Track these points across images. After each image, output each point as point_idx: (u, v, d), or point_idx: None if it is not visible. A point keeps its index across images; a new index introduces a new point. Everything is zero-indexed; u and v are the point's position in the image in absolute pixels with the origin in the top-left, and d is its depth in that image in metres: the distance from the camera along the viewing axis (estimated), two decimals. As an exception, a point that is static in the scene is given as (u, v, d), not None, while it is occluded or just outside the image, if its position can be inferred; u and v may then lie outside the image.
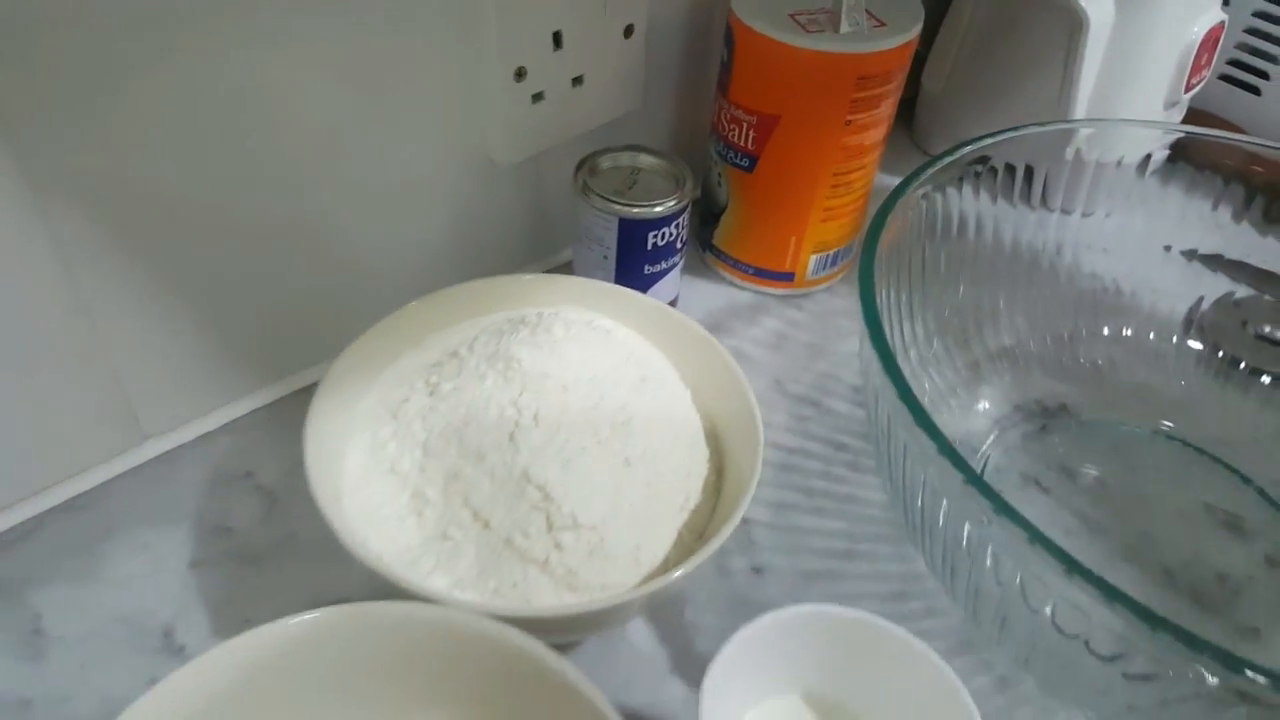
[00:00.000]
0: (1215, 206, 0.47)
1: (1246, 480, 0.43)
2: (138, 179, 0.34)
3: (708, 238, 0.52)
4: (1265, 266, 0.48)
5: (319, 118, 0.37)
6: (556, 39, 0.42)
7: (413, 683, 0.29)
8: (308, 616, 0.27)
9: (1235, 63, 0.62)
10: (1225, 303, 0.49)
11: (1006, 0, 0.56)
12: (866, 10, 0.44)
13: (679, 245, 0.45)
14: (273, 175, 0.37)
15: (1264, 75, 0.61)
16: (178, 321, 0.38)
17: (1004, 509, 0.26)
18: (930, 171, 0.40)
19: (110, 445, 0.39)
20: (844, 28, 0.43)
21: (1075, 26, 0.52)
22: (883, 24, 0.44)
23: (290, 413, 0.41)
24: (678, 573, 0.30)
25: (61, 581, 0.36)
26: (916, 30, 0.45)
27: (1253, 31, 0.61)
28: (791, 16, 0.44)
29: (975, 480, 0.27)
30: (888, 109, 0.46)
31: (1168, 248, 0.49)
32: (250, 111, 0.35)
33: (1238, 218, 0.48)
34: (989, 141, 0.42)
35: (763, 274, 0.51)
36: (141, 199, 0.34)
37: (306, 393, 0.37)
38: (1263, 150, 0.45)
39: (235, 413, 0.42)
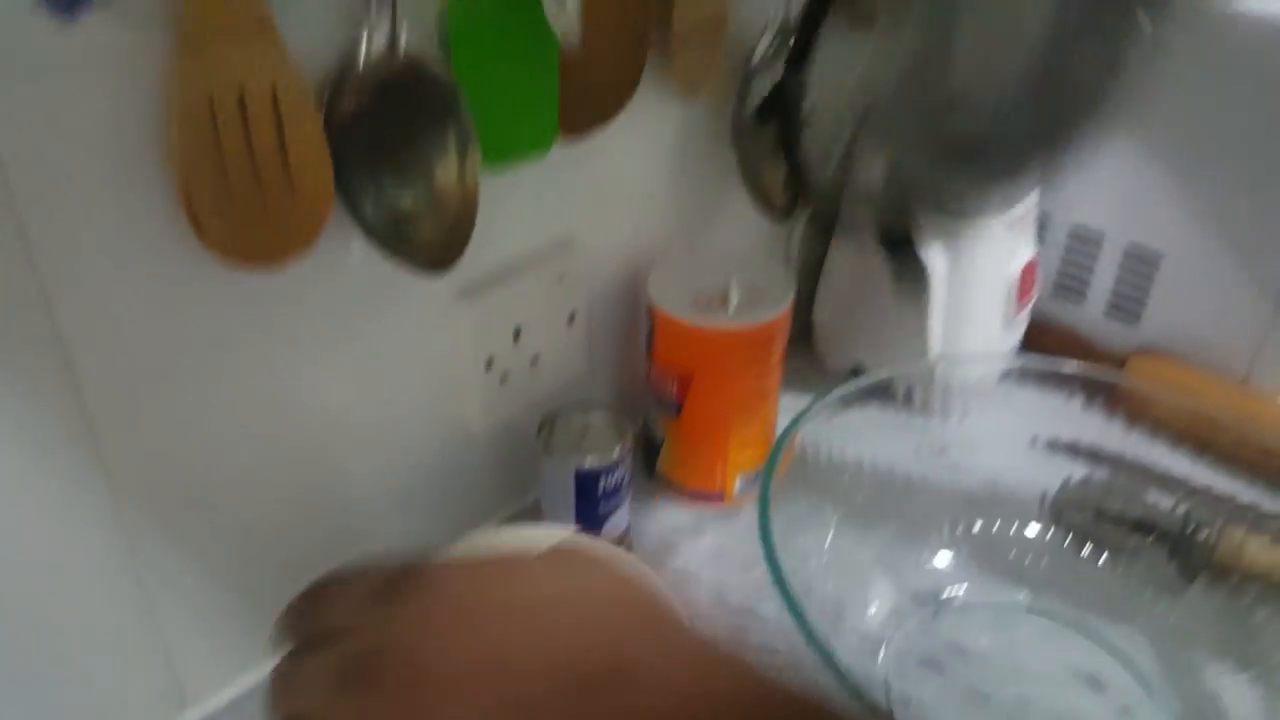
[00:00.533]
0: (1068, 398, 0.58)
1: (1102, 643, 0.52)
2: (189, 453, 0.42)
3: (653, 467, 0.62)
4: (1114, 450, 0.59)
5: (333, 399, 0.47)
6: (516, 334, 0.53)
7: None
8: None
9: (1062, 275, 0.75)
10: (1079, 486, 0.60)
11: (865, 254, 0.68)
12: (749, 288, 0.56)
13: (625, 483, 0.55)
14: (294, 444, 0.46)
15: (1085, 283, 0.74)
16: (218, 584, 0.46)
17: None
18: (815, 407, 0.51)
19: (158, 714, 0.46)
20: (732, 309, 0.55)
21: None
22: (762, 297, 0.56)
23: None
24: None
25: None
26: (789, 300, 0.56)
27: (1070, 250, 0.74)
28: (693, 299, 0.56)
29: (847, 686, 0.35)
30: (777, 358, 0.58)
31: (1034, 439, 0.60)
32: (279, 397, 0.44)
33: (1085, 408, 0.59)
34: (861, 383, 0.54)
35: (698, 495, 0.61)
36: (190, 472, 0.43)
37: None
38: (1081, 371, 0.57)
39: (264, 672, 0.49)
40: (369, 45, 0.39)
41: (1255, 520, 0.54)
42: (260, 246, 0.40)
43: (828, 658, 0.36)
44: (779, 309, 0.56)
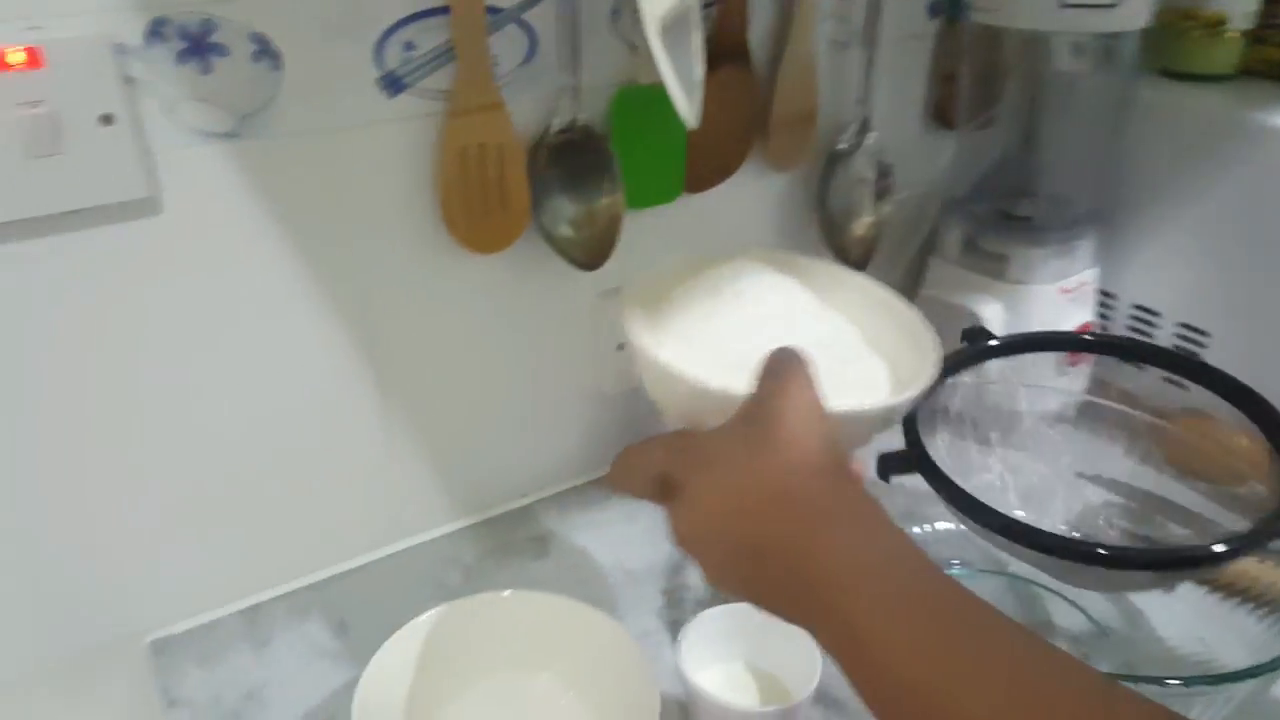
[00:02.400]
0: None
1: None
2: (428, 358, 0.64)
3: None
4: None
5: (517, 345, 0.68)
6: (643, 326, 0.73)
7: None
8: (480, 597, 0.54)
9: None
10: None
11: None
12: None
13: (711, 444, 0.72)
14: (488, 365, 0.67)
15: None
16: (439, 452, 0.67)
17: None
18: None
19: (384, 536, 0.68)
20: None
21: (974, 322, 0.78)
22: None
23: (496, 530, 0.69)
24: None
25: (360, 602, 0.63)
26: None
27: (1133, 323, 0.83)
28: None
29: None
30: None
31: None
32: (481, 338, 0.66)
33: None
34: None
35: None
36: (425, 376, 0.65)
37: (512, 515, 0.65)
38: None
39: (460, 524, 0.70)
40: (558, 120, 0.61)
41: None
42: (486, 241, 0.62)
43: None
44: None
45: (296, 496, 0.63)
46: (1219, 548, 0.47)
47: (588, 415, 0.74)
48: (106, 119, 0.48)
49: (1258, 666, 0.46)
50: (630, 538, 0.70)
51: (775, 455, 0.35)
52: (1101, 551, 0.48)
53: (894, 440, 0.53)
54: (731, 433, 0.37)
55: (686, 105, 0.51)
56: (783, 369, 0.38)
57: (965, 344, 0.64)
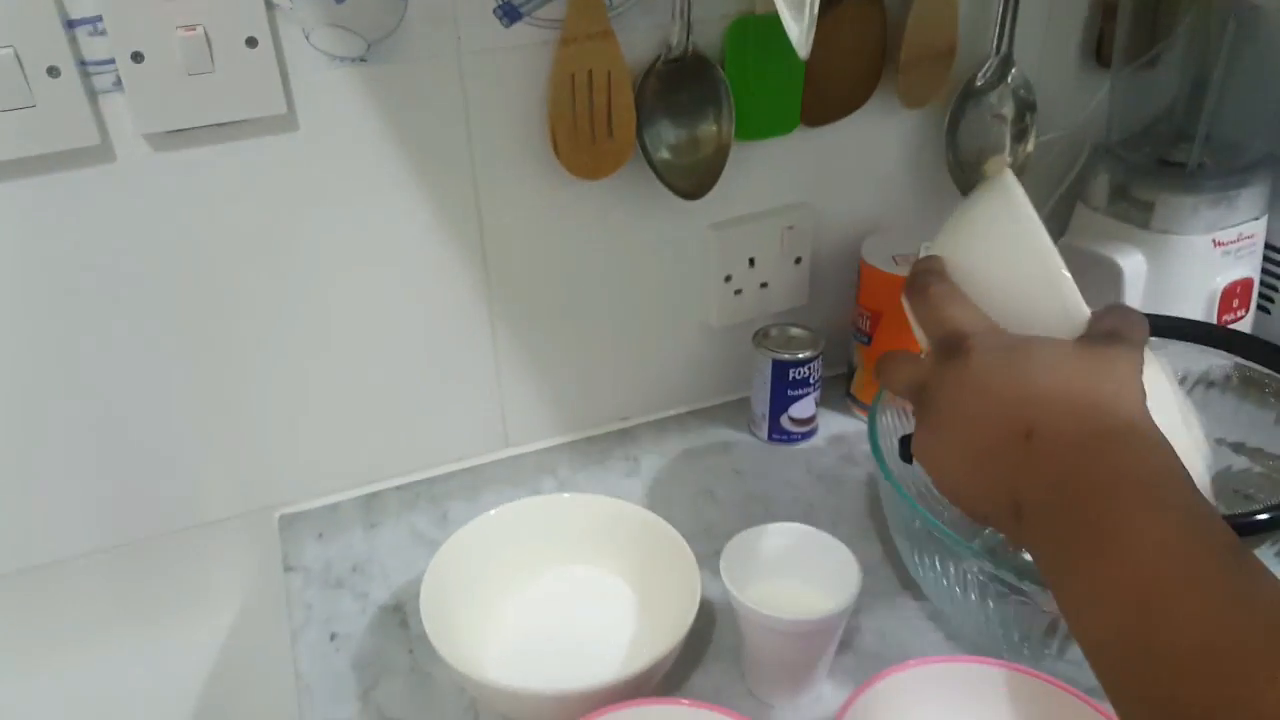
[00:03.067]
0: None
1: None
2: (541, 281, 0.67)
3: (847, 388, 0.77)
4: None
5: (626, 272, 0.69)
6: (751, 261, 0.72)
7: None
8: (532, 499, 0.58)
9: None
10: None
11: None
12: (937, 256, 0.69)
13: (812, 381, 0.71)
14: (619, 281, 0.69)
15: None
16: (546, 369, 0.70)
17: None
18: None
19: (489, 444, 0.72)
20: (917, 264, 0.68)
21: (1115, 274, 0.72)
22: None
23: (593, 448, 0.72)
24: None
25: (462, 499, 0.68)
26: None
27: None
28: (893, 257, 0.70)
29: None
30: (955, 315, 0.70)
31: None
32: (592, 261, 0.68)
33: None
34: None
35: (876, 413, 0.75)
36: (541, 296, 0.67)
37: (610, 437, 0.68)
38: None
39: (560, 440, 0.73)
40: (670, 47, 0.61)
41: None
42: (591, 166, 0.63)
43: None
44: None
45: (414, 401, 0.68)
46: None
47: (692, 346, 0.75)
48: (251, 41, 0.53)
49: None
50: (720, 468, 0.71)
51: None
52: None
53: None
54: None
55: (799, 34, 0.49)
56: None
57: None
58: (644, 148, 0.63)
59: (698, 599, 0.50)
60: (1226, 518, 0.44)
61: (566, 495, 0.60)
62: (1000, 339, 0.39)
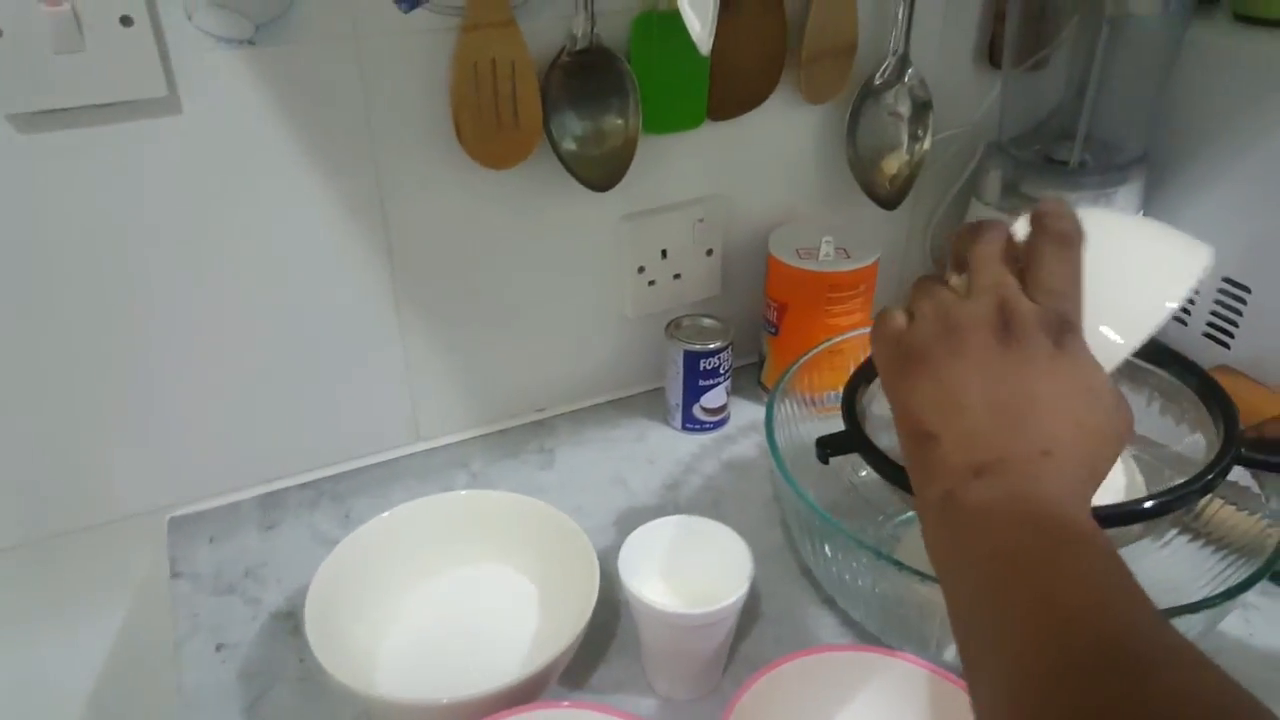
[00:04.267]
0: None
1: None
2: (443, 260, 0.64)
3: (758, 377, 0.77)
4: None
5: (533, 263, 0.67)
6: (664, 253, 0.71)
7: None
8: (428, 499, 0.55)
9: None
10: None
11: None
12: (840, 247, 0.69)
13: (723, 371, 0.70)
14: (508, 269, 0.67)
15: (1187, 309, 0.76)
16: (454, 358, 0.68)
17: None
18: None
19: (399, 438, 0.69)
20: (820, 256, 0.68)
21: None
22: (849, 256, 0.69)
23: (507, 440, 0.70)
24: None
25: (368, 497, 0.65)
26: (870, 261, 0.69)
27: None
28: (797, 250, 0.70)
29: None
30: (859, 304, 0.70)
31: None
32: (498, 245, 0.65)
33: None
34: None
35: (784, 402, 0.74)
36: (442, 278, 0.65)
37: (524, 429, 0.65)
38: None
39: (474, 433, 0.71)
40: (576, 39, 0.59)
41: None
42: (497, 155, 0.60)
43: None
44: (857, 265, 0.68)
45: (318, 395, 0.64)
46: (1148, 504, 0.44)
47: (608, 337, 0.73)
48: (126, 20, 0.49)
49: (1209, 598, 0.45)
50: (634, 457, 0.69)
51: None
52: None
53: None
54: None
55: (700, 31, 0.48)
56: None
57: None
58: (551, 138, 0.61)
59: (595, 595, 0.49)
60: (1110, 507, 0.45)
61: (464, 492, 0.58)
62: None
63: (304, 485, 0.65)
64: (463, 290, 0.65)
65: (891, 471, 0.45)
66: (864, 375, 0.53)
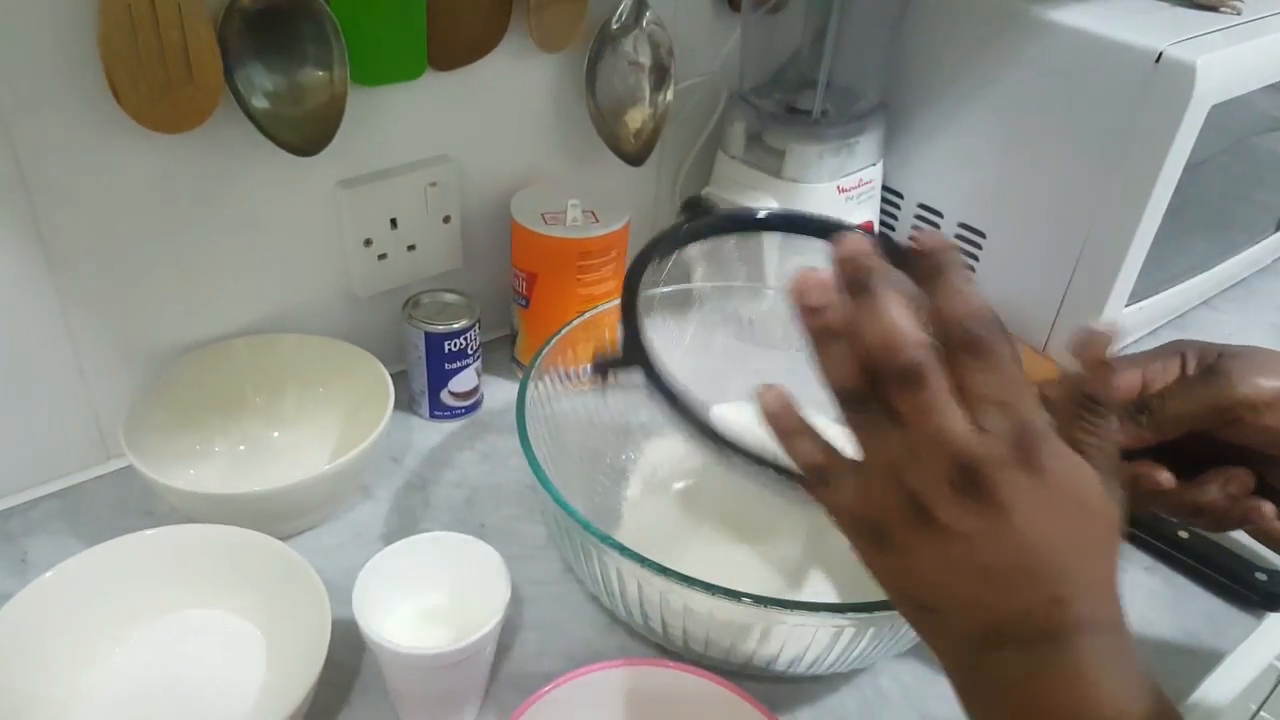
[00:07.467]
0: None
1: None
2: (116, 251, 0.54)
3: (511, 352, 0.72)
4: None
5: (235, 244, 0.58)
6: (394, 222, 0.64)
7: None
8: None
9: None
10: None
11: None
12: (588, 210, 0.66)
13: (471, 351, 0.65)
14: (192, 261, 0.58)
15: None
16: (139, 365, 0.58)
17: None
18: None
19: (84, 458, 0.58)
20: (568, 222, 0.64)
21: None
22: (598, 219, 0.65)
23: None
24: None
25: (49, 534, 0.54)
26: (621, 224, 0.66)
27: (917, 224, 0.81)
28: (542, 215, 0.65)
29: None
30: (611, 271, 0.67)
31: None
32: (188, 221, 0.56)
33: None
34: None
35: (542, 375, 0.71)
36: (115, 273, 0.54)
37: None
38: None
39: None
40: (255, -23, 0.50)
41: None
42: (171, 118, 0.51)
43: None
44: (607, 230, 0.65)
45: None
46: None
47: (337, 319, 0.66)
48: None
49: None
50: (377, 457, 0.63)
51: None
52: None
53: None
54: None
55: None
56: None
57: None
58: (237, 95, 0.52)
59: (327, 638, 0.43)
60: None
61: (174, 527, 0.49)
62: None
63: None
64: (145, 279, 0.56)
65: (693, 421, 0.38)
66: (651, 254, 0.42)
